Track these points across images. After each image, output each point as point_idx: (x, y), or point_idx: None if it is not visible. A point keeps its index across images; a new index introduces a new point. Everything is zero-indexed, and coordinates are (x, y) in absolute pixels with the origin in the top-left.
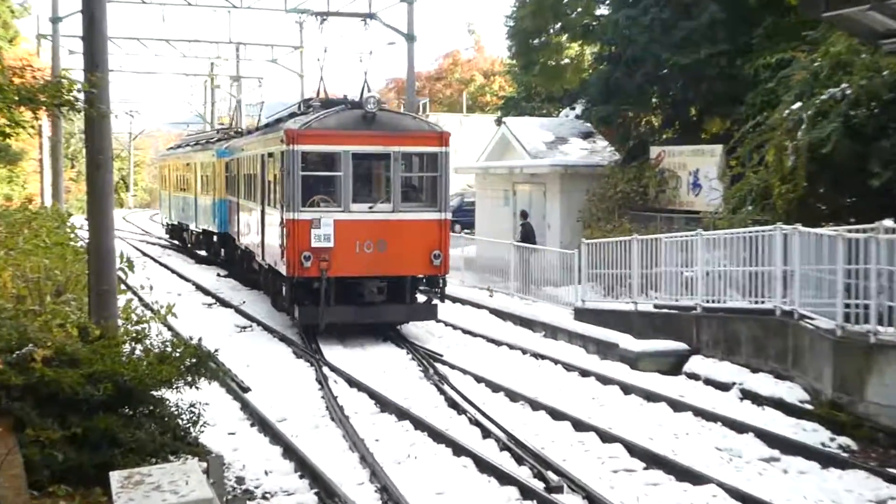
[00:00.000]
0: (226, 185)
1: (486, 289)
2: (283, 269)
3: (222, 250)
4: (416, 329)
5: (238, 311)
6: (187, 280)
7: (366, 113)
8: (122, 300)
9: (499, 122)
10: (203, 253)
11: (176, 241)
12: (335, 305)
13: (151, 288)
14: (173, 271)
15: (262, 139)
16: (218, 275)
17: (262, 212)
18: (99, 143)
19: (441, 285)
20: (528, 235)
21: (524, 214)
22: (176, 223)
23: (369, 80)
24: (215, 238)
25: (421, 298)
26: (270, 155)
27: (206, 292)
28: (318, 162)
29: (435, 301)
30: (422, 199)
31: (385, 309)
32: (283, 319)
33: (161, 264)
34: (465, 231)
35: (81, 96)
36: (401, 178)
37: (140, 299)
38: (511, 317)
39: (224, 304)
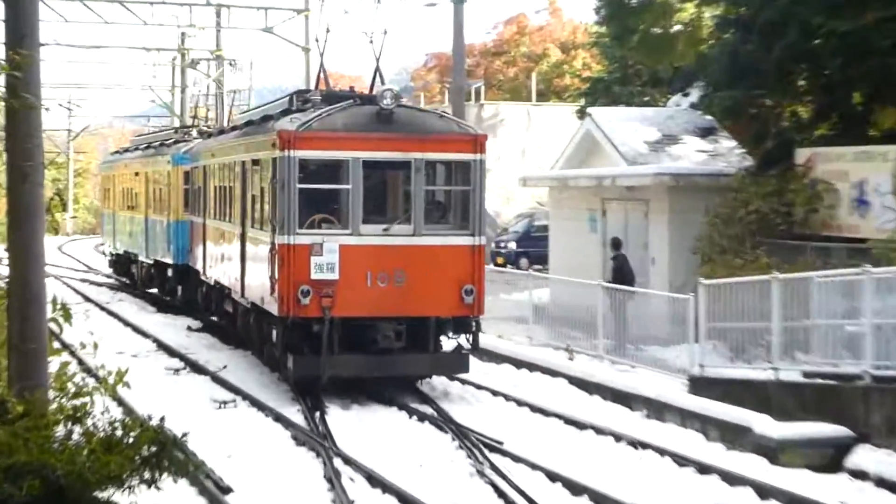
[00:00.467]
0: (185, 202)
1: (565, 348)
2: (273, 308)
3: (179, 288)
4: (462, 403)
5: (216, 379)
6: (146, 335)
7: (380, 110)
8: (54, 363)
9: (582, 113)
10: (155, 291)
11: (124, 279)
12: (341, 354)
13: (96, 346)
14: (127, 323)
15: (242, 142)
16: (189, 328)
17: (243, 235)
18: (25, 144)
19: (474, 328)
20: (622, 273)
21: (617, 244)
22: (121, 253)
23: (383, 66)
24: (170, 272)
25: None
26: (256, 162)
27: (173, 353)
28: (320, 172)
29: (466, 350)
30: (450, 219)
31: (404, 359)
32: (278, 391)
33: (110, 313)
34: (535, 267)
35: (0, 80)
36: (424, 193)
37: (80, 362)
38: (599, 388)
39: (197, 369)
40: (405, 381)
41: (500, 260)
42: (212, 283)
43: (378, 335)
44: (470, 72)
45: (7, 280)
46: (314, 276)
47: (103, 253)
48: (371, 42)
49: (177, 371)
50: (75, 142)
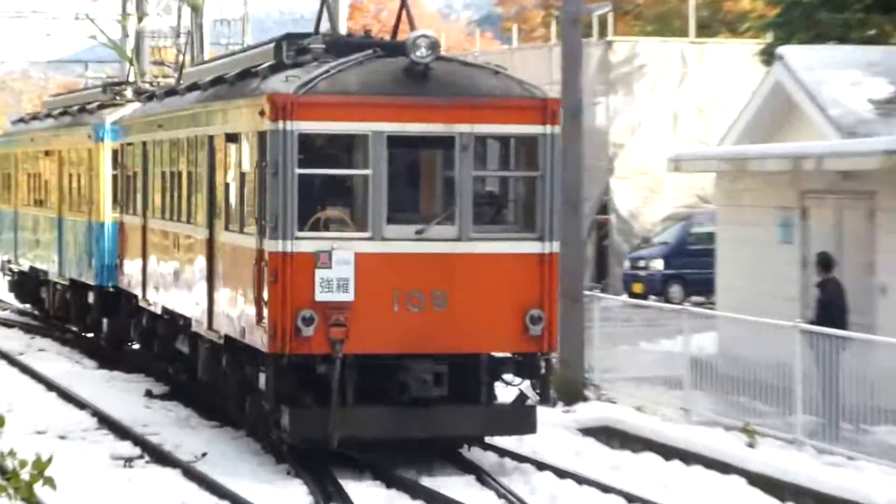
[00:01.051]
0: (116, 195)
1: (742, 428)
2: (260, 343)
3: (104, 321)
4: None
5: (190, 474)
6: (82, 404)
7: (412, 64)
8: None
9: (769, 56)
10: (76, 329)
11: (29, 306)
12: (357, 406)
13: (2, 422)
14: (52, 385)
15: (208, 109)
16: (149, 393)
17: (211, 241)
18: None
19: (544, 370)
20: (831, 308)
21: (826, 262)
22: (27, 269)
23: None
24: (91, 297)
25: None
26: (232, 138)
27: (122, 432)
28: (329, 151)
29: (532, 400)
30: (510, 217)
31: (445, 413)
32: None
33: (25, 369)
34: (693, 298)
35: None
36: (473, 181)
37: None
38: (798, 494)
39: (160, 458)
40: (447, 444)
41: (637, 287)
42: (156, 311)
43: (409, 379)
44: None
45: None
46: (320, 296)
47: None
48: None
49: (129, 461)
50: None
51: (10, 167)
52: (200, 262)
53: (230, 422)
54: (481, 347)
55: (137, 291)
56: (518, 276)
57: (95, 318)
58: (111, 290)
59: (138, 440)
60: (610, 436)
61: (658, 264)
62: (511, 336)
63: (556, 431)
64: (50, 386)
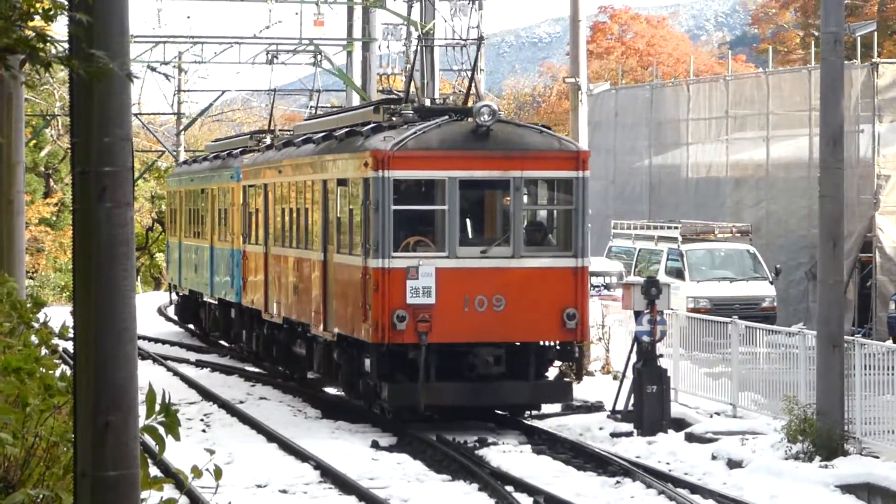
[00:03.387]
0: (244, 226)
1: None
2: (366, 336)
3: (244, 333)
4: None
5: None
6: (303, 456)
7: (477, 126)
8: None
9: None
10: (225, 343)
11: (192, 327)
12: (438, 381)
13: (219, 475)
14: (273, 436)
15: (322, 159)
16: (375, 444)
17: (325, 262)
18: (102, 138)
19: (578, 355)
20: None
21: None
22: (188, 292)
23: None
24: (233, 313)
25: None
26: (342, 182)
27: (346, 485)
28: (415, 192)
29: (569, 377)
30: (552, 240)
31: (504, 387)
32: None
33: (244, 419)
34: None
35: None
36: (524, 213)
37: (194, 501)
38: None
39: None
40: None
41: None
42: (278, 321)
43: (478, 361)
44: (854, 8)
45: (72, 367)
46: (410, 300)
47: (170, 295)
48: (464, 45)
49: None
50: (189, 134)
51: (176, 203)
52: (317, 278)
53: (461, 475)
54: (530, 337)
55: (260, 307)
56: (557, 284)
57: (237, 331)
58: (236, 305)
59: (364, 495)
60: (872, 494)
61: None
62: (552, 329)
63: (814, 489)
64: (271, 436)
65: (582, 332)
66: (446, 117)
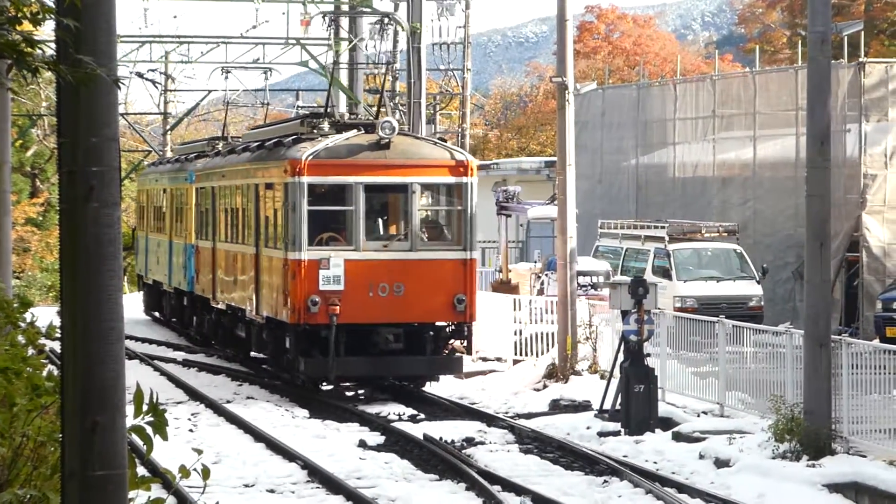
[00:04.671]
0: (196, 223)
1: None
2: (286, 317)
3: (195, 319)
4: None
5: None
6: (290, 455)
7: (381, 138)
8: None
9: None
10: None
11: (155, 313)
12: (346, 356)
13: (207, 474)
14: (260, 436)
15: (255, 167)
16: (363, 443)
17: (258, 254)
18: (89, 138)
19: (467, 334)
20: None
21: None
22: (151, 282)
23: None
24: (185, 300)
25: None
26: (269, 186)
27: (334, 485)
28: (327, 195)
29: (460, 352)
30: (447, 236)
31: (402, 361)
32: None
33: (231, 418)
34: None
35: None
36: (419, 213)
37: (182, 501)
38: None
39: None
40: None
41: (890, 331)
42: (223, 307)
43: (380, 339)
44: (841, 7)
45: (60, 367)
46: (322, 287)
47: (138, 285)
48: (383, 65)
49: None
50: (176, 134)
51: (144, 201)
52: (250, 269)
53: (449, 475)
54: (425, 318)
55: (209, 295)
56: (449, 274)
57: (188, 316)
58: (188, 294)
59: (351, 494)
60: (860, 493)
61: None
62: (445, 311)
63: (801, 488)
64: (258, 436)
65: (470, 314)
66: (355, 131)
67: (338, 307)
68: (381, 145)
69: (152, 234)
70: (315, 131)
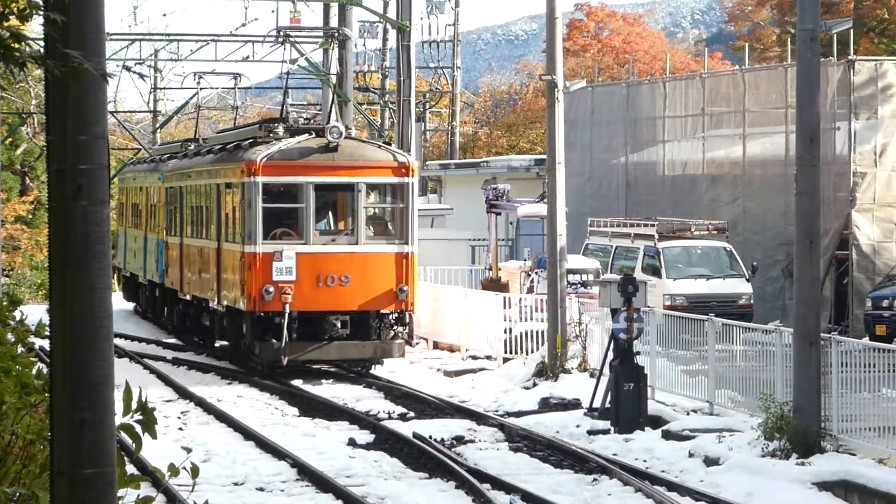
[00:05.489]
0: (166, 220)
1: None
2: (243, 306)
3: (165, 309)
4: None
5: None
6: (280, 454)
7: (329, 142)
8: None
9: None
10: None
11: (132, 303)
12: (297, 341)
13: (196, 472)
14: (250, 434)
15: (217, 167)
16: (352, 442)
17: (219, 249)
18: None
19: (408, 321)
20: None
21: None
22: (129, 275)
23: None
24: (157, 292)
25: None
26: (228, 185)
27: (323, 483)
28: (280, 193)
29: (402, 338)
30: (391, 231)
31: (349, 346)
32: None
33: (221, 417)
34: None
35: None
36: (365, 210)
37: (171, 500)
38: None
39: None
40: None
41: (880, 329)
42: (189, 298)
43: (328, 326)
44: (830, 5)
45: (49, 365)
46: (275, 277)
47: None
48: (332, 81)
49: None
50: (165, 132)
51: (123, 198)
52: (213, 262)
53: (438, 473)
54: (370, 306)
55: (177, 287)
56: (391, 266)
57: (160, 307)
58: (160, 286)
59: (341, 493)
60: (849, 491)
61: None
62: (388, 300)
63: (790, 486)
64: (248, 434)
65: (411, 302)
66: (307, 135)
67: (290, 296)
68: (330, 148)
69: (130, 229)
70: (271, 135)
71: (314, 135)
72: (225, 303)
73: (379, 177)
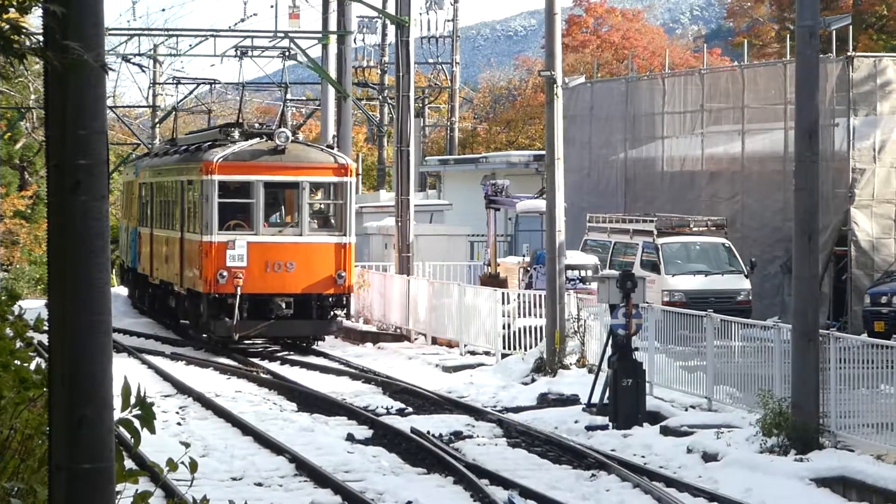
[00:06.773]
0: (139, 212)
1: None
2: (200, 288)
3: (136, 292)
4: None
5: None
6: (279, 449)
7: (277, 146)
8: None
9: None
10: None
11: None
12: (248, 320)
13: (195, 467)
14: (248, 429)
15: (181, 166)
16: (351, 437)
17: (182, 238)
18: (76, 130)
19: (346, 303)
20: None
21: None
22: (124, 267)
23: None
24: (131, 276)
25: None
26: (190, 183)
27: (321, 478)
28: (234, 190)
29: (340, 317)
30: (332, 223)
31: (293, 324)
32: None
33: (220, 412)
34: None
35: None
36: (308, 206)
37: (169, 495)
38: None
39: None
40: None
41: (879, 326)
42: (158, 282)
43: (274, 306)
44: (829, 1)
45: (47, 360)
46: (229, 263)
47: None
48: (281, 88)
49: None
50: (165, 127)
51: (134, 192)
52: (177, 250)
53: (436, 469)
54: (312, 290)
55: (147, 272)
56: (330, 254)
57: (130, 290)
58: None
59: (339, 488)
60: (847, 487)
61: None
62: (328, 284)
63: (789, 482)
64: (246, 429)
65: (349, 287)
66: (258, 139)
67: (241, 280)
68: (278, 151)
69: (133, 224)
70: (228, 139)
71: (265, 139)
72: (186, 286)
73: (321, 176)
